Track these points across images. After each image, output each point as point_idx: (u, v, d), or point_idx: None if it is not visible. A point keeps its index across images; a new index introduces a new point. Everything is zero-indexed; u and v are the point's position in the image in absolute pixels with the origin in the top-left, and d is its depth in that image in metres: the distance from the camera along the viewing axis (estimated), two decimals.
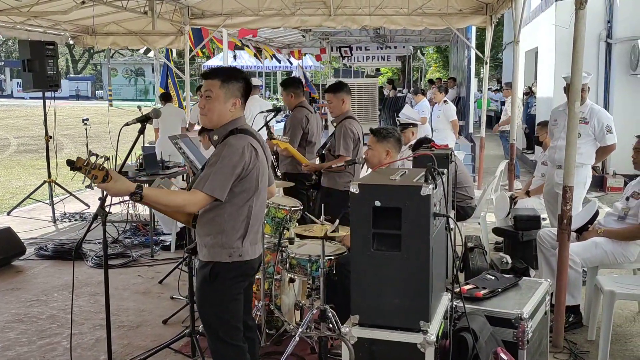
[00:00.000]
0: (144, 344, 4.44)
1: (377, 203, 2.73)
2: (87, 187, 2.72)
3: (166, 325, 4.78)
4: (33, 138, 19.69)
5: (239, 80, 3.07)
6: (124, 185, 2.78)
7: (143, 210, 7.82)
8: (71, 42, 10.41)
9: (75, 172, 2.86)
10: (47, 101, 8.55)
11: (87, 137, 10.19)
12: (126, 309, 5.17)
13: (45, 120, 8.48)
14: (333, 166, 5.10)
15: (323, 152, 5.37)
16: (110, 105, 32.46)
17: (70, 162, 2.81)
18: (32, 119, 25.78)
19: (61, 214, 8.55)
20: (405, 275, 2.73)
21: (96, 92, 54.45)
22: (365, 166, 4.80)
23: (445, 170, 3.20)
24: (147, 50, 13.09)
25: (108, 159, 2.99)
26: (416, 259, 2.71)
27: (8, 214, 8.78)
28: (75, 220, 8.37)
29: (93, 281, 5.84)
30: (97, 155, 2.84)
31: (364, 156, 4.51)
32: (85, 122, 10.24)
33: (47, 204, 8.68)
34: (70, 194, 8.99)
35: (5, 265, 6.32)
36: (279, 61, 19.43)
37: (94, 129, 13.53)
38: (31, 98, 35.67)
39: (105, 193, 3.45)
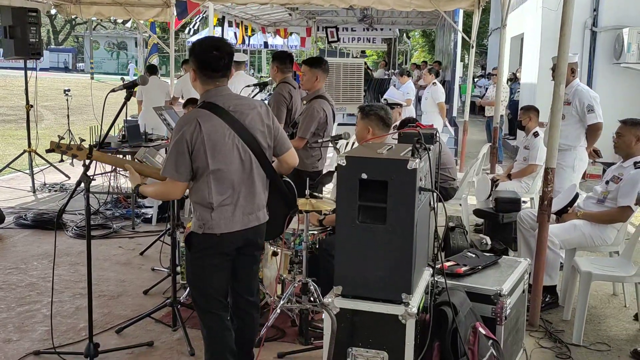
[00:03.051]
0: (124, 313, 4.45)
1: (364, 176, 2.74)
2: (70, 164, 2.79)
3: (147, 295, 4.79)
4: (12, 108, 19.38)
5: (192, 54, 3.09)
6: (133, 180, 3.28)
7: (125, 182, 7.77)
8: (54, 10, 10.22)
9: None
10: (29, 71, 8.42)
11: (68, 108, 10.09)
12: (107, 279, 5.16)
13: (26, 89, 8.34)
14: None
15: (293, 131, 5.31)
16: (92, 78, 32.02)
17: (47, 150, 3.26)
18: (11, 89, 25.32)
19: (41, 184, 8.46)
20: (389, 248, 2.75)
21: (77, 64, 53.63)
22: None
23: (432, 147, 3.21)
24: (126, 22, 12.90)
25: (83, 139, 3.19)
26: (400, 231, 2.73)
27: None
28: (55, 190, 8.30)
29: (73, 251, 5.81)
30: (63, 138, 3.36)
31: (349, 133, 4.51)
32: (66, 92, 10.12)
33: (26, 173, 8.59)
34: (51, 164, 8.89)
35: None
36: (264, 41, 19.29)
37: (74, 102, 13.36)
38: (10, 68, 35.05)
39: (89, 161, 3.46)
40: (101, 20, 50.45)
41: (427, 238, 3.20)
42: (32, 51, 8.02)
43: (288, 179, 3.38)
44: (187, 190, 3.13)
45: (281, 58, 5.71)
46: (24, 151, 8.61)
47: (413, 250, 2.75)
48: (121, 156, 6.36)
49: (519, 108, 10.26)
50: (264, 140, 3.15)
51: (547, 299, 4.66)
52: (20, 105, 8.45)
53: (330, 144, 4.81)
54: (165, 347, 3.96)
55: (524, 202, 6.48)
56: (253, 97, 5.39)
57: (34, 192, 8.20)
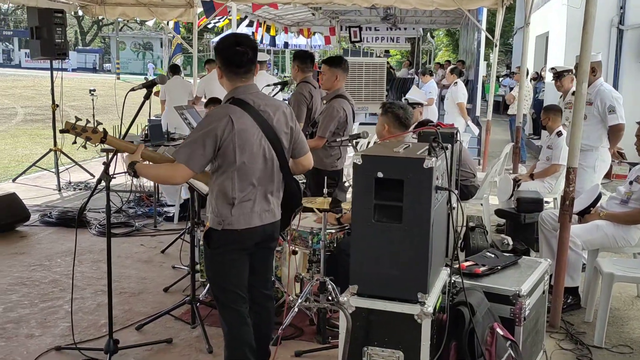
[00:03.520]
0: (144, 310, 4.49)
1: (380, 174, 2.73)
2: (82, 146, 2.81)
3: (167, 293, 4.83)
4: (40, 108, 19.73)
5: (218, 51, 3.13)
6: (129, 159, 3.12)
7: (147, 181, 7.86)
8: (80, 11, 10.37)
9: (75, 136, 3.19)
10: (55, 71, 8.55)
11: (93, 108, 10.21)
12: (128, 276, 5.22)
13: (52, 89, 8.47)
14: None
15: (313, 130, 5.31)
16: (118, 78, 32.44)
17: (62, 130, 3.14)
18: (39, 89, 25.77)
19: (66, 182, 8.60)
20: (405, 247, 2.74)
21: (104, 65, 54.36)
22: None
23: (449, 146, 3.20)
24: (144, 22, 13.05)
25: (100, 123, 3.17)
26: (416, 231, 2.72)
27: (13, 180, 8.83)
28: (80, 189, 8.43)
29: (96, 248, 5.89)
30: (80, 119, 3.17)
31: (368, 132, 4.50)
32: (92, 92, 10.25)
33: (52, 172, 8.72)
34: (76, 163, 9.02)
35: (10, 230, 6.37)
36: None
37: (100, 101, 13.54)
38: (39, 69, 35.68)
39: (109, 158, 3.51)
40: (127, 21, 51.17)
41: (445, 237, 3.18)
42: (58, 51, 8.14)
43: (295, 178, 3.40)
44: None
45: (302, 57, 5.72)
46: (50, 150, 8.76)
47: (429, 250, 2.73)
48: None
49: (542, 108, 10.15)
50: (286, 141, 3.21)
51: (568, 301, 4.59)
52: (47, 105, 8.58)
53: (348, 143, 4.79)
54: (184, 344, 3.99)
55: (547, 202, 6.40)
56: (273, 96, 5.42)
57: (59, 190, 8.33)
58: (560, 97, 7.20)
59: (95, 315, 4.43)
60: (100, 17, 11.40)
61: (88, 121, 3.20)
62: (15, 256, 5.67)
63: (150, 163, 3.24)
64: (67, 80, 10.72)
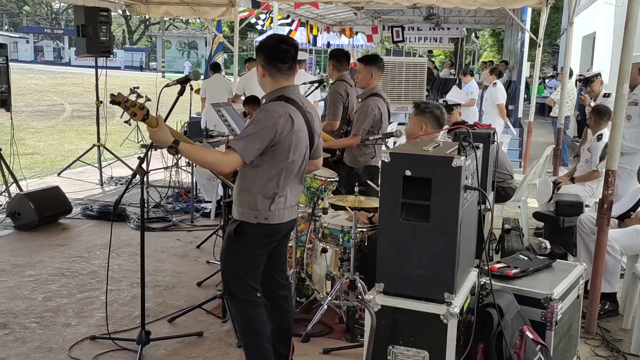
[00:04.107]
0: (177, 304, 4.57)
1: (408, 172, 2.72)
2: (126, 122, 2.84)
3: (200, 287, 4.90)
4: (87, 105, 20.22)
5: (260, 49, 3.19)
6: (164, 136, 3.00)
7: (186, 177, 7.99)
8: (124, 10, 10.60)
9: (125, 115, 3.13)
10: (101, 69, 8.75)
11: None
12: (163, 270, 5.32)
13: (96, 86, 8.67)
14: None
15: (348, 128, 5.31)
16: (163, 76, 32.99)
17: (112, 96, 3.06)
18: (87, 87, 26.42)
19: (108, 177, 8.81)
20: (432, 246, 2.72)
21: (150, 63, 55.40)
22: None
23: (481, 145, 3.15)
24: (202, 24, 13.26)
25: (149, 99, 3.16)
26: (444, 230, 2.69)
27: (58, 174, 9.08)
28: (121, 184, 8.62)
29: (134, 242, 6.01)
30: (137, 93, 3.12)
31: (401, 130, 4.47)
32: (135, 90, 10.46)
33: (95, 167, 8.94)
34: (118, 158, 9.23)
35: (52, 222, 6.56)
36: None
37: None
38: (88, 67, 36.59)
39: (145, 153, 3.58)
40: (173, 20, 52.06)
41: (475, 238, 3.14)
42: (103, 49, 8.32)
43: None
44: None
45: (337, 56, 5.73)
46: (93, 145, 8.97)
47: (456, 250, 2.70)
48: None
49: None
50: (315, 144, 3.31)
51: (605, 307, 4.48)
52: (93, 102, 8.77)
53: (382, 141, 4.78)
54: (214, 337, 4.04)
55: (587, 206, 6.23)
56: (309, 94, 5.44)
57: (102, 185, 8.54)
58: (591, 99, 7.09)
59: (130, 306, 4.53)
60: (145, 16, 11.60)
61: (140, 96, 3.18)
62: (57, 247, 5.83)
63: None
64: (114, 78, 10.99)
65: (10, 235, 6.17)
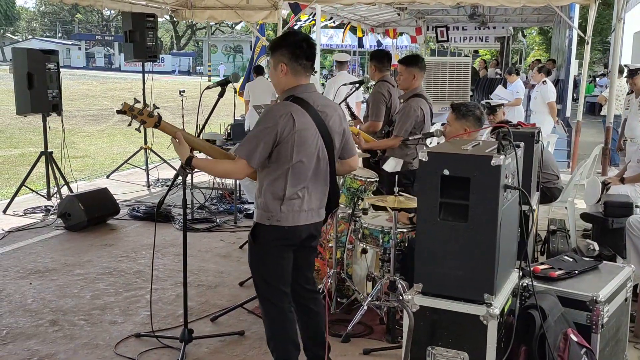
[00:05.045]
0: (220, 303, 4.64)
1: (446, 172, 2.69)
2: (136, 129, 2.95)
3: (242, 287, 4.96)
4: None
5: (284, 46, 3.11)
6: (183, 152, 3.18)
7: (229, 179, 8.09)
8: (170, 16, 10.81)
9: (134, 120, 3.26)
10: (148, 73, 8.97)
11: (182, 108, 10.60)
12: (206, 269, 5.40)
13: (143, 90, 8.88)
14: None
15: (390, 129, 5.27)
16: (209, 80, 33.52)
17: (122, 106, 3.22)
18: (135, 91, 27.02)
19: (155, 179, 9.00)
20: (471, 247, 2.68)
21: (197, 67, 56.35)
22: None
23: (522, 144, 3.10)
24: (246, 28, 13.42)
25: (157, 107, 3.23)
26: (483, 230, 2.65)
27: (107, 177, 9.34)
28: (167, 185, 8.77)
29: (178, 242, 6.11)
30: (139, 102, 3.26)
31: (442, 130, 4.42)
32: (181, 93, 10.65)
33: (142, 169, 9.15)
34: (165, 161, 9.42)
35: (101, 223, 6.74)
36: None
37: (190, 102, 14.05)
38: (137, 72, 37.48)
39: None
40: (219, 24, 52.82)
41: (516, 239, 3.08)
42: (149, 54, 8.53)
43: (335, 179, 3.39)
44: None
45: (379, 57, 5.71)
46: (141, 148, 9.18)
47: (496, 250, 2.66)
48: None
49: None
50: (338, 143, 3.24)
51: None
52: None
53: (423, 142, 4.74)
54: (255, 337, 4.08)
55: (637, 207, 6.04)
56: (350, 94, 5.44)
57: (149, 186, 8.74)
58: (628, 93, 6.88)
59: (174, 305, 4.62)
60: (191, 21, 11.82)
61: (146, 105, 3.30)
62: (105, 247, 5.99)
63: (204, 156, 3.32)
64: (162, 83, 11.27)
65: (61, 236, 6.37)
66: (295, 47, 3.10)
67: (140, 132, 3.40)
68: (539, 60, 19.42)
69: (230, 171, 3.16)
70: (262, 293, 3.25)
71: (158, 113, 3.29)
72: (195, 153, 3.29)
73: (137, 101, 3.29)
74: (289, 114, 3.02)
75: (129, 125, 3.36)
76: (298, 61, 3.10)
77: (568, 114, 12.91)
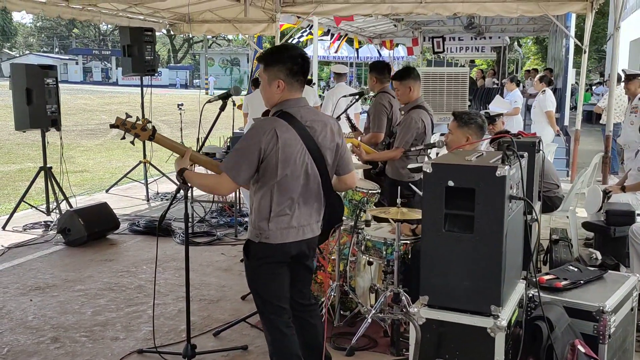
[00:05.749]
0: (222, 317, 4.60)
1: (451, 183, 2.68)
2: (131, 142, 2.94)
3: (245, 301, 4.92)
4: None
5: (281, 62, 3.05)
6: (180, 164, 3.18)
7: None
8: (168, 29, 10.85)
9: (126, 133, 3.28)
10: (146, 87, 8.96)
11: (181, 122, 10.60)
12: (208, 284, 5.37)
13: (142, 104, 8.87)
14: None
15: (391, 140, 5.26)
16: (206, 93, 33.58)
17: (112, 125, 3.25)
18: (133, 105, 27.07)
19: (154, 193, 8.97)
20: (476, 258, 2.67)
21: (194, 81, 56.49)
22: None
23: (525, 154, 3.09)
24: (244, 41, 13.49)
25: (149, 121, 3.23)
26: (489, 241, 2.64)
27: (106, 191, 9.30)
28: (167, 199, 8.76)
29: (179, 256, 6.09)
30: (131, 116, 3.27)
31: (443, 140, 4.41)
32: (180, 107, 10.65)
33: (142, 183, 9.12)
34: (164, 174, 9.40)
35: (101, 238, 6.71)
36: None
37: (189, 116, 14.07)
38: (134, 86, 37.57)
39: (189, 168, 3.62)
40: (215, 38, 53.03)
41: (521, 249, 3.06)
42: (148, 68, 8.51)
43: (338, 193, 3.33)
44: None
45: (379, 68, 5.72)
46: (140, 162, 9.16)
47: (502, 261, 2.65)
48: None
49: None
50: (330, 158, 3.15)
51: None
52: (140, 120, 8.96)
53: (425, 153, 4.74)
54: (258, 351, 4.04)
55: (639, 215, 6.03)
56: (350, 106, 5.44)
57: (148, 200, 8.70)
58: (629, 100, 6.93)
59: (176, 320, 4.58)
60: (189, 35, 11.86)
61: (138, 118, 3.26)
62: (105, 263, 5.95)
63: (198, 169, 3.29)
64: (159, 96, 11.29)
65: (61, 251, 6.34)
66: (293, 64, 3.05)
67: (134, 145, 3.38)
68: (535, 70, 19.47)
69: (217, 187, 3.10)
70: (262, 310, 3.21)
71: (153, 126, 3.27)
72: (201, 169, 3.27)
73: (129, 115, 3.27)
74: (273, 129, 2.96)
75: (123, 138, 3.34)
76: (295, 77, 3.06)
77: (566, 122, 12.93)
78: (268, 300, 3.16)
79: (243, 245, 3.18)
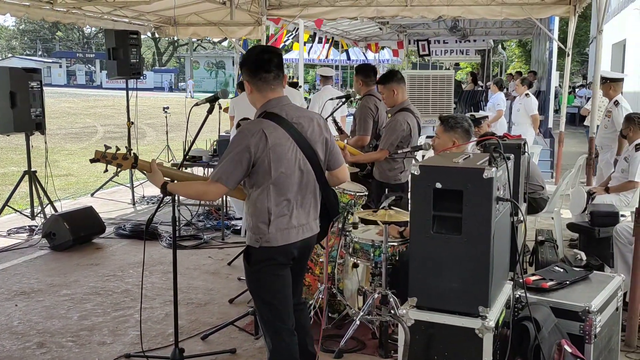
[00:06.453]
0: (210, 321, 4.59)
1: (438, 185, 2.70)
2: (115, 174, 2.91)
3: (232, 304, 4.91)
4: (118, 126, 20.60)
5: (243, 65, 3.08)
6: (156, 179, 3.20)
7: None
8: (153, 32, 10.80)
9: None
10: (131, 90, 8.92)
11: (167, 125, 10.59)
12: (195, 287, 5.35)
13: (127, 107, 8.83)
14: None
15: (377, 142, 5.28)
16: (192, 97, 33.50)
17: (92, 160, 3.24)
18: (118, 108, 26.96)
19: (140, 197, 8.93)
20: (464, 259, 2.69)
21: (179, 84, 56.26)
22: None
23: (512, 156, 3.12)
24: (223, 40, 13.45)
25: (130, 149, 3.22)
26: (477, 243, 2.66)
27: (92, 195, 9.24)
28: (153, 203, 8.72)
29: (166, 260, 6.06)
30: (110, 147, 3.26)
31: (430, 143, 4.43)
32: (165, 110, 10.63)
33: (127, 187, 9.07)
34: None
35: (87, 242, 6.66)
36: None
37: (174, 119, 14.06)
38: (119, 89, 37.35)
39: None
40: (201, 41, 52.86)
41: (508, 250, 3.09)
42: (133, 71, 8.47)
43: (334, 189, 3.33)
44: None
45: (365, 71, 5.73)
46: None
47: (490, 262, 2.67)
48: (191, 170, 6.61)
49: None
50: (321, 153, 3.14)
51: None
52: (125, 123, 8.95)
53: (411, 155, 4.76)
54: (247, 354, 4.04)
55: (623, 216, 6.10)
56: (337, 109, 5.45)
57: (134, 204, 8.66)
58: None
59: (163, 324, 4.56)
60: (174, 38, 11.83)
61: (118, 148, 3.21)
62: (91, 267, 5.91)
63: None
64: (144, 100, 11.22)
65: (46, 256, 6.28)
66: (251, 64, 3.04)
67: (118, 175, 3.35)
68: (519, 73, 19.63)
69: (204, 192, 3.08)
70: (264, 315, 3.14)
71: (134, 153, 3.24)
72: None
73: (107, 147, 3.23)
74: (260, 130, 2.94)
75: (105, 171, 3.28)
76: (257, 76, 3.03)
77: (550, 125, 13.05)
78: (273, 305, 3.09)
79: (243, 253, 3.12)
